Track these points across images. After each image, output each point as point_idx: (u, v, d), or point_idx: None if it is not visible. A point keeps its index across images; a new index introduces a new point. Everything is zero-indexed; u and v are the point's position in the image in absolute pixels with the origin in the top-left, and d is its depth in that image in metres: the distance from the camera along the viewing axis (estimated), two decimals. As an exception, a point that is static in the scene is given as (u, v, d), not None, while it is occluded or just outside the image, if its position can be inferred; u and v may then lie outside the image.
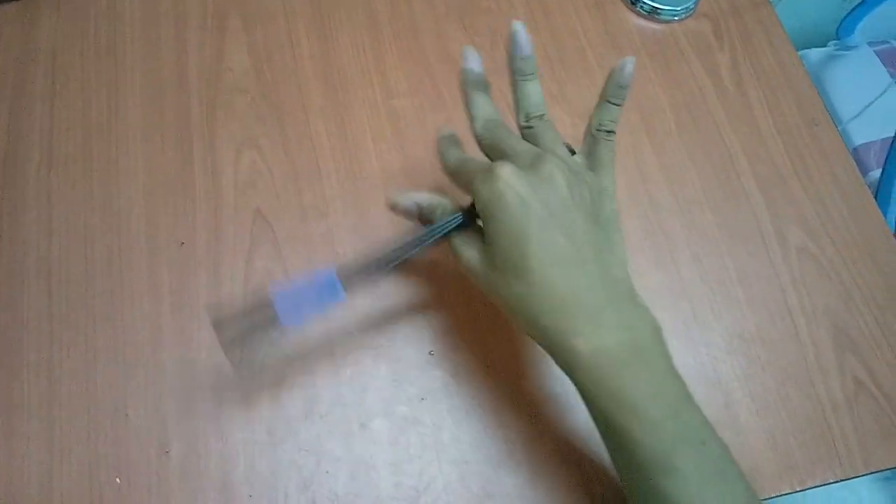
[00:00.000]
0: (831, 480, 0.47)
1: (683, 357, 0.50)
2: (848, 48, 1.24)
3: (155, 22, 0.62)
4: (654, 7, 0.63)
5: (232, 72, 0.59)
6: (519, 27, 0.40)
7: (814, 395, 0.50)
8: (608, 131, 0.41)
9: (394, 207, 0.43)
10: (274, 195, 0.54)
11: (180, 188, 0.54)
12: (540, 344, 0.37)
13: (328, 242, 0.53)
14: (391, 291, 0.51)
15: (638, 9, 0.64)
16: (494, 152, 0.40)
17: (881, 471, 0.48)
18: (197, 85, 0.58)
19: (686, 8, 0.64)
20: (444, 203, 0.42)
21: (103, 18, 0.62)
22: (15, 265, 0.51)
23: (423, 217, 0.43)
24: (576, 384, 0.36)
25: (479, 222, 0.38)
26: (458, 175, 0.40)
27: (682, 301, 0.52)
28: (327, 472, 0.45)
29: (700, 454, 0.34)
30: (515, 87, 0.42)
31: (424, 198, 0.42)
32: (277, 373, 0.48)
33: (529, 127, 0.41)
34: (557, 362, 0.36)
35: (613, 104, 0.41)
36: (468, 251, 0.39)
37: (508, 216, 0.35)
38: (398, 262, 0.39)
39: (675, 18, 0.64)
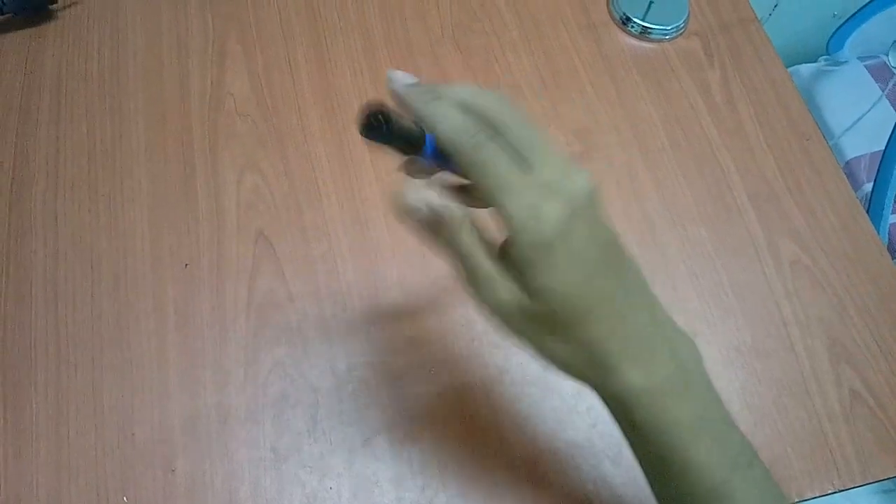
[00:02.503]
0: (829, 491, 0.48)
1: (681, 370, 0.51)
2: (838, 63, 1.26)
3: (157, 49, 0.63)
4: (644, 27, 0.65)
5: (233, 96, 0.60)
6: (391, 74, 0.32)
7: (810, 406, 0.50)
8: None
9: (405, 210, 0.34)
10: (276, 216, 0.55)
11: (184, 210, 0.55)
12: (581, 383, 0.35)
13: (330, 262, 0.53)
14: (392, 309, 0.52)
15: (629, 29, 0.66)
16: (477, 172, 0.31)
17: (879, 481, 0.49)
18: (199, 109, 0.60)
19: (676, 27, 0.66)
20: (460, 216, 0.34)
21: (107, 46, 0.63)
22: (22, 287, 0.52)
23: (431, 227, 0.34)
24: (628, 422, 0.35)
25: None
26: (463, 162, 0.31)
27: (677, 315, 0.52)
28: (330, 488, 0.46)
29: (749, 478, 0.34)
30: (422, 113, 0.32)
31: (439, 203, 0.34)
32: (281, 391, 0.49)
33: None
34: (605, 402, 0.35)
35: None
36: (498, 297, 0.32)
37: (560, 274, 0.31)
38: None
39: (666, 38, 0.66)
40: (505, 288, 0.32)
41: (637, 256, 0.54)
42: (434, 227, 0.34)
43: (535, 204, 0.30)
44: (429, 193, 0.34)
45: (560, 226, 0.30)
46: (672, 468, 0.35)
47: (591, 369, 0.33)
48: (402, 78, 0.32)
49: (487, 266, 0.33)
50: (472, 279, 0.33)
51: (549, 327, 0.32)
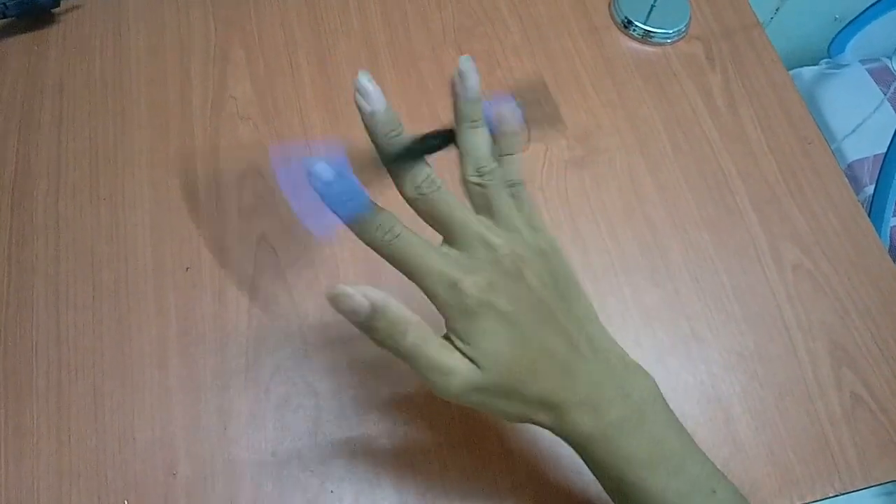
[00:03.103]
0: (831, 494, 0.48)
1: (682, 375, 0.51)
2: (840, 66, 1.26)
3: (159, 53, 0.63)
4: (646, 31, 0.65)
5: (235, 100, 0.61)
6: (467, 65, 0.35)
7: (812, 410, 0.50)
8: (514, 184, 0.36)
9: (336, 299, 0.34)
10: (277, 221, 0.55)
11: (185, 214, 0.55)
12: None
13: (331, 267, 0.54)
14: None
15: (631, 32, 0.66)
16: (435, 223, 0.35)
17: (881, 484, 0.49)
18: (201, 113, 0.60)
19: (678, 31, 0.66)
20: (401, 308, 0.34)
21: (109, 50, 0.63)
22: (24, 291, 0.52)
23: (371, 320, 0.34)
24: (585, 459, 0.37)
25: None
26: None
27: (679, 319, 0.53)
28: (332, 491, 0.46)
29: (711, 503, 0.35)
30: (461, 135, 0.35)
31: (380, 297, 0.34)
32: (281, 394, 0.49)
33: (481, 185, 0.35)
34: (564, 440, 0.37)
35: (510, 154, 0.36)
36: (449, 387, 0.34)
37: (492, 338, 0.33)
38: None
39: (668, 41, 0.66)
40: (455, 372, 0.33)
41: (638, 259, 0.55)
42: (370, 324, 0.34)
43: (453, 280, 0.33)
44: (368, 288, 0.34)
45: (481, 295, 0.33)
46: (631, 501, 0.36)
47: (544, 417, 0.35)
48: (371, 98, 0.34)
49: (435, 358, 0.34)
50: (421, 374, 0.34)
51: (501, 394, 0.34)
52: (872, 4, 1.14)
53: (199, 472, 0.46)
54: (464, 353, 0.34)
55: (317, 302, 0.52)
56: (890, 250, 0.57)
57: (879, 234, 0.57)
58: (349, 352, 0.50)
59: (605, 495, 0.44)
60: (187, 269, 0.53)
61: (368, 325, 0.34)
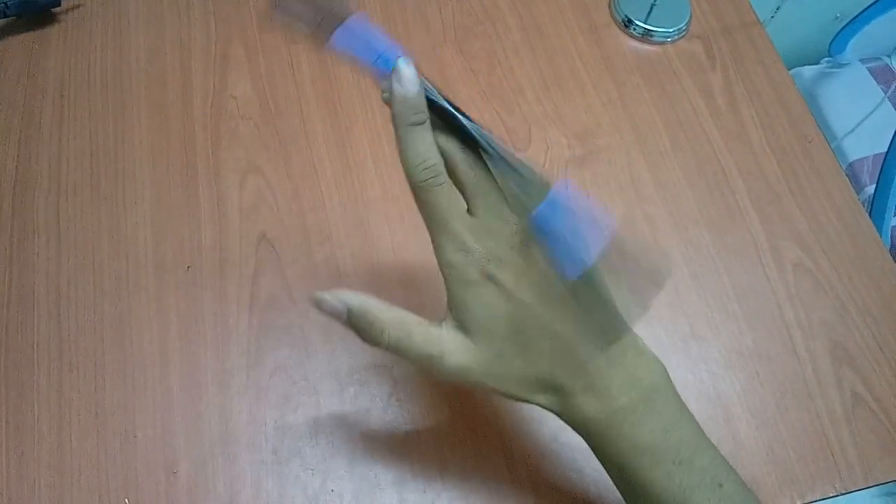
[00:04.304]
0: (831, 494, 0.48)
1: (682, 373, 0.51)
2: (840, 65, 1.26)
3: (160, 51, 0.63)
4: (647, 29, 0.65)
5: (235, 99, 0.61)
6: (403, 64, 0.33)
7: (812, 408, 0.50)
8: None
9: (318, 305, 0.35)
10: (278, 219, 0.55)
11: (186, 213, 0.55)
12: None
13: (332, 265, 0.54)
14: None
15: (631, 31, 0.66)
16: (421, 208, 0.34)
17: (882, 484, 0.49)
18: (202, 112, 0.60)
19: (678, 29, 0.66)
20: (377, 308, 0.35)
21: (109, 48, 0.63)
22: (25, 290, 0.52)
23: (351, 322, 0.35)
24: (591, 446, 0.36)
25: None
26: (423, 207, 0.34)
27: (679, 318, 0.53)
28: (332, 490, 0.46)
29: (716, 497, 0.35)
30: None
31: (356, 300, 0.35)
32: (282, 393, 0.49)
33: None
34: (571, 426, 0.36)
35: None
36: (440, 361, 0.34)
37: (486, 308, 0.34)
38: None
39: (668, 40, 0.66)
40: (445, 354, 0.34)
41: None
42: (352, 326, 0.35)
43: (466, 245, 0.33)
44: (344, 293, 0.35)
45: (487, 266, 0.33)
46: (635, 489, 0.36)
47: (544, 399, 0.35)
48: (407, 81, 0.33)
49: (421, 349, 0.34)
50: (413, 364, 0.35)
51: (496, 371, 0.34)
52: (873, 3, 1.14)
53: (199, 471, 0.46)
54: (458, 328, 0.34)
55: (317, 301, 0.52)
56: (890, 250, 0.57)
57: (880, 234, 0.57)
58: (349, 350, 0.50)
59: (605, 493, 0.44)
60: (188, 267, 0.53)
61: (351, 326, 0.35)
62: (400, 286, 0.53)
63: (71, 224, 0.55)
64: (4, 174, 0.57)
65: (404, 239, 0.54)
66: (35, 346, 0.50)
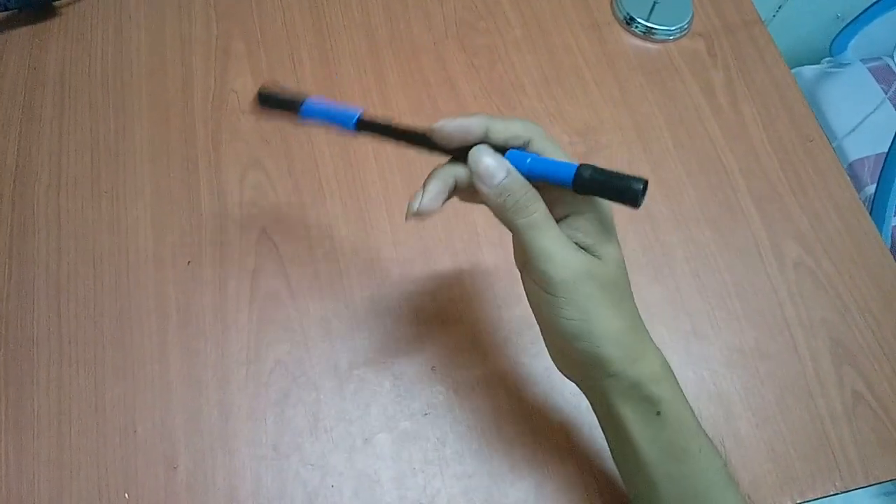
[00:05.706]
0: (832, 492, 0.48)
1: (683, 371, 0.51)
2: (841, 65, 1.26)
3: (161, 46, 0.63)
4: (648, 27, 0.65)
5: (236, 94, 0.60)
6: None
7: (813, 407, 0.50)
8: None
9: (474, 156, 0.35)
10: (279, 215, 0.55)
11: (187, 208, 0.55)
12: (588, 377, 0.37)
13: (332, 261, 0.53)
14: (394, 308, 0.52)
15: (633, 29, 0.65)
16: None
17: (882, 482, 0.49)
18: (202, 107, 0.60)
19: (680, 27, 0.65)
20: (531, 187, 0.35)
21: (110, 43, 0.63)
22: (25, 284, 0.52)
23: (504, 185, 0.34)
24: (646, 402, 0.36)
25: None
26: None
27: (681, 316, 0.53)
28: (332, 486, 0.46)
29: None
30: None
31: (514, 172, 0.34)
32: (282, 389, 0.49)
33: None
34: (623, 391, 0.36)
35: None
36: (568, 272, 0.34)
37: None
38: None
39: (670, 38, 0.66)
40: (569, 264, 0.34)
41: (640, 256, 0.55)
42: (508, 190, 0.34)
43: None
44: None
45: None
46: (687, 454, 0.36)
47: (590, 359, 0.35)
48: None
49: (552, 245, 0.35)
50: (530, 252, 0.34)
51: (591, 300, 0.34)
52: (874, 3, 1.14)
53: (199, 466, 0.46)
54: (586, 247, 0.35)
55: (317, 296, 0.52)
56: (891, 249, 0.57)
57: (881, 233, 0.57)
58: (350, 346, 0.50)
59: (605, 489, 0.44)
60: (188, 262, 0.53)
61: (500, 189, 0.34)
62: (400, 283, 0.53)
63: (71, 218, 0.55)
64: (4, 168, 0.57)
65: (405, 235, 0.54)
66: (35, 340, 0.50)
